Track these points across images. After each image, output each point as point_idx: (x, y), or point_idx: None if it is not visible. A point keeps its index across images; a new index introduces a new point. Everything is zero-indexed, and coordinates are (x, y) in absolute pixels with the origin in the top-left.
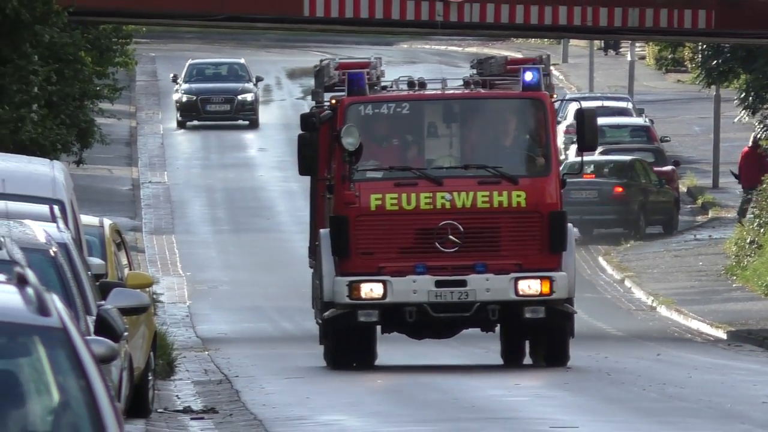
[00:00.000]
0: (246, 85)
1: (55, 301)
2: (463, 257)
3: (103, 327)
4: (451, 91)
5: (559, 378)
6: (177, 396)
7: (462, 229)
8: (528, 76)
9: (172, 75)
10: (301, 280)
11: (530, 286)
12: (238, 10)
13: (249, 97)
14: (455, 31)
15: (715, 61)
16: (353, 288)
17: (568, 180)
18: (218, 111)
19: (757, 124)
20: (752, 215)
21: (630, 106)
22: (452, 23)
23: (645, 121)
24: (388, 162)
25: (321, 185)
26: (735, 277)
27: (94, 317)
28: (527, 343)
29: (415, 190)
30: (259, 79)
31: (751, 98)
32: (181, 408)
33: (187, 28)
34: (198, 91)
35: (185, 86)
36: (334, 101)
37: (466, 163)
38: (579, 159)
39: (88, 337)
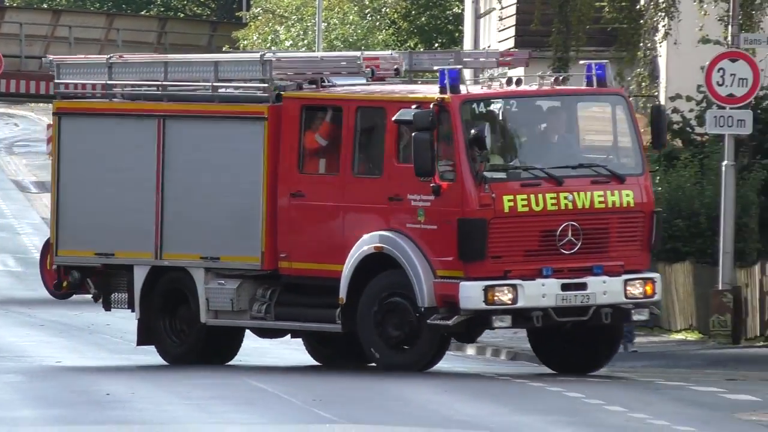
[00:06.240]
0: None
1: None
2: (582, 259)
3: None
4: (546, 88)
5: None
6: None
7: (581, 230)
8: (600, 73)
9: None
10: None
11: (637, 288)
12: None
13: None
14: None
15: None
16: (488, 293)
17: None
18: None
19: None
20: None
21: None
22: None
23: None
24: (504, 161)
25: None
26: None
27: None
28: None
29: (540, 190)
30: None
31: None
32: None
33: None
34: None
35: None
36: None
37: (578, 162)
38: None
39: None
